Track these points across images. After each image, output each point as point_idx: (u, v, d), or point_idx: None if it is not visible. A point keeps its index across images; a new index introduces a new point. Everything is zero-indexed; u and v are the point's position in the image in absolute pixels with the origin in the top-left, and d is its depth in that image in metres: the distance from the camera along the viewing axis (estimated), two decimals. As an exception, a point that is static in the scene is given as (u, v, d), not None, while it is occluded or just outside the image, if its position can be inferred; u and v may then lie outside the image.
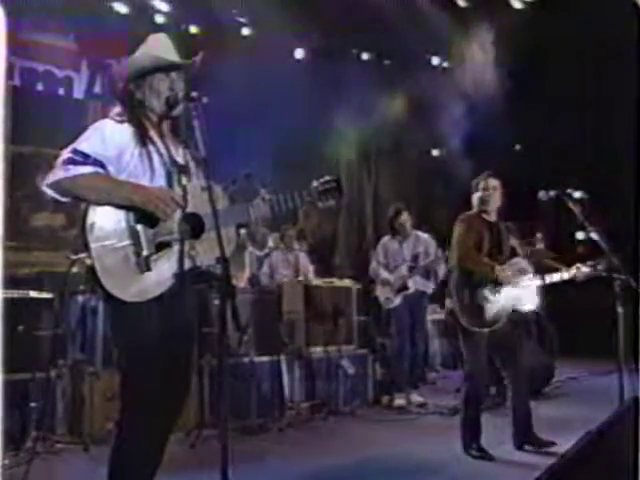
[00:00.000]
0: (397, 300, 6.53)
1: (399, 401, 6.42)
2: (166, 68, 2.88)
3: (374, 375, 6.73)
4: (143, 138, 2.80)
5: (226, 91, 7.63)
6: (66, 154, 2.72)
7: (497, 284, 4.63)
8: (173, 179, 2.81)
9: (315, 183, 2.96)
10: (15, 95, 7.61)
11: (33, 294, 4.67)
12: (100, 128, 2.79)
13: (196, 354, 2.96)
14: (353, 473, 4.42)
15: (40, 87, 7.97)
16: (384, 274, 6.64)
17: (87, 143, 2.74)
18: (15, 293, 4.74)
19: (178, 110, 2.87)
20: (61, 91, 8.08)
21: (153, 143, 2.83)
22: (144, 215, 2.71)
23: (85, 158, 2.69)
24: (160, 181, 2.79)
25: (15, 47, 7.54)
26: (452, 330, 4.96)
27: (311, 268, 7.49)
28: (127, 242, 2.70)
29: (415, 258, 6.57)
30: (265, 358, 5.83)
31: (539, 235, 8.53)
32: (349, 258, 10.35)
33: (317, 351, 6.27)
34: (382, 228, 8.23)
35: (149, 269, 2.69)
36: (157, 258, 2.72)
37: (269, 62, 8.53)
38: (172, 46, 2.95)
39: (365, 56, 10.24)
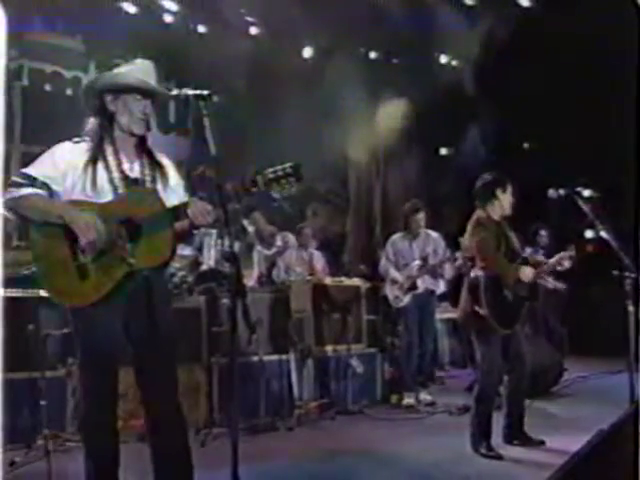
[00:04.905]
0: (406, 299, 6.51)
1: (408, 400, 6.41)
2: (146, 93, 3.05)
3: (383, 374, 6.73)
4: (95, 156, 2.99)
5: (234, 90, 7.66)
6: (14, 177, 2.98)
7: (519, 285, 4.73)
8: (119, 193, 2.98)
9: (268, 170, 2.80)
10: (24, 95, 7.66)
11: (43, 293, 4.67)
12: (53, 151, 3.04)
13: (116, 359, 3.06)
14: (361, 472, 4.41)
15: (48, 87, 8.01)
16: (393, 272, 6.61)
17: (36, 166, 3.00)
18: (25, 292, 4.76)
19: (144, 132, 3.08)
20: (69, 91, 8.12)
21: (104, 161, 3.01)
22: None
23: (30, 180, 2.94)
24: (107, 196, 2.97)
25: (23, 48, 7.59)
26: (466, 330, 4.97)
27: (327, 266, 7.50)
28: (67, 252, 2.89)
29: (425, 257, 6.54)
30: (274, 357, 5.84)
31: (543, 232, 8.52)
32: (358, 257, 10.33)
33: (326, 350, 6.27)
34: (391, 227, 8.22)
35: (87, 276, 2.88)
36: (95, 265, 2.88)
37: (277, 61, 8.55)
38: (154, 75, 3.10)
39: (373, 55, 10.22)
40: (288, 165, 2.80)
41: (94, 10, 7.54)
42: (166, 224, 2.95)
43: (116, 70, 3.12)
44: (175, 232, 3.01)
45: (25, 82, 7.79)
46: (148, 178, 3.08)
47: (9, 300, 4.13)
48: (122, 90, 3.02)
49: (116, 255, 2.89)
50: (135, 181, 3.03)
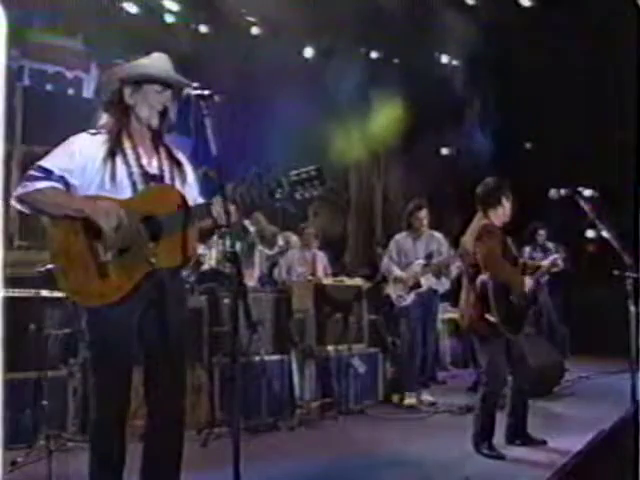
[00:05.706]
0: (409, 298, 6.50)
1: (409, 400, 6.41)
2: (168, 83, 2.97)
3: (384, 374, 6.73)
4: (113, 149, 2.90)
5: (235, 90, 7.65)
6: (29, 171, 2.86)
7: (524, 291, 4.77)
8: (138, 189, 2.90)
9: (292, 172, 2.79)
10: (25, 95, 7.67)
11: (45, 293, 4.69)
12: (70, 142, 2.92)
13: (130, 358, 2.98)
14: (363, 472, 4.41)
15: (50, 87, 8.02)
16: (397, 271, 6.60)
17: (51, 159, 2.88)
18: (27, 292, 4.76)
19: (159, 125, 2.99)
20: (71, 91, 8.13)
21: (123, 154, 2.92)
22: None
23: (46, 173, 2.83)
24: (126, 192, 2.88)
25: (25, 48, 7.60)
26: (471, 336, 4.96)
27: (329, 266, 7.50)
28: (87, 249, 2.80)
29: (429, 256, 6.53)
30: (276, 357, 5.83)
31: (542, 232, 8.52)
32: (359, 257, 10.34)
33: (328, 350, 6.27)
34: (392, 227, 8.22)
35: (107, 275, 2.78)
36: (116, 264, 2.79)
37: (278, 61, 8.55)
38: (172, 67, 3.03)
39: (374, 54, 10.23)
40: (312, 168, 2.79)
41: (95, 10, 7.55)
42: (188, 223, 2.88)
43: (135, 62, 3.04)
44: (197, 231, 2.95)
45: (26, 82, 7.80)
46: (167, 174, 3.00)
47: (10, 300, 4.12)
48: (143, 81, 2.94)
49: (137, 254, 2.80)
50: (154, 177, 2.95)
